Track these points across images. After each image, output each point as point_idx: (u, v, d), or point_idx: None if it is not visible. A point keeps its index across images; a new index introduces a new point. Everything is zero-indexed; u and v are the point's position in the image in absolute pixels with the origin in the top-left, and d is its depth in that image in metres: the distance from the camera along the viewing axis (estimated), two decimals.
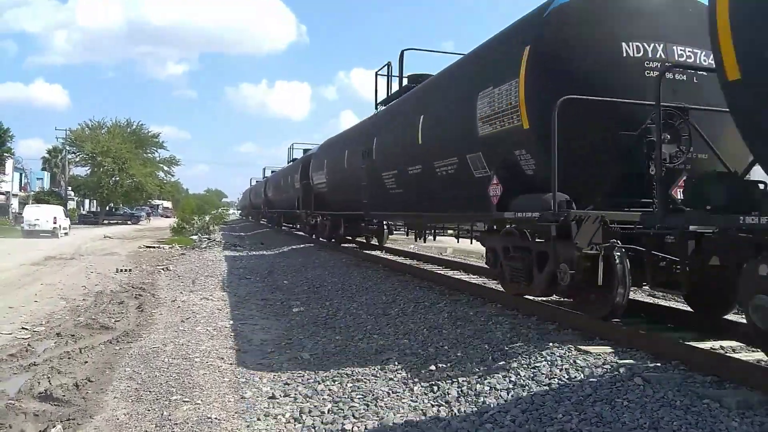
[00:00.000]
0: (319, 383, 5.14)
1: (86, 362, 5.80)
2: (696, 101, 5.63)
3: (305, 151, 26.28)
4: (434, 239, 14.36)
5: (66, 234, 29.17)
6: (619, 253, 5.37)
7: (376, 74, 13.01)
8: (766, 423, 3.56)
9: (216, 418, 4.30)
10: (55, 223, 28.45)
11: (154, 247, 20.63)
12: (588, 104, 5.50)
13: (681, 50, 5.92)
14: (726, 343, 5.35)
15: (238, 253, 18.67)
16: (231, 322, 7.83)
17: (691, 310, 6.25)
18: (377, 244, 17.62)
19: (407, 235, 16.46)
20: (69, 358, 5.91)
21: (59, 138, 56.96)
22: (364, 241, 18.44)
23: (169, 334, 7.00)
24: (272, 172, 36.59)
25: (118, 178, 54.61)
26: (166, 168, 62.04)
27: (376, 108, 13.17)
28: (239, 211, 40.78)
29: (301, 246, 19.47)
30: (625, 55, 5.76)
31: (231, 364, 5.80)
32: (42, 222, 28.26)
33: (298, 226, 27.13)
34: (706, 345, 5.23)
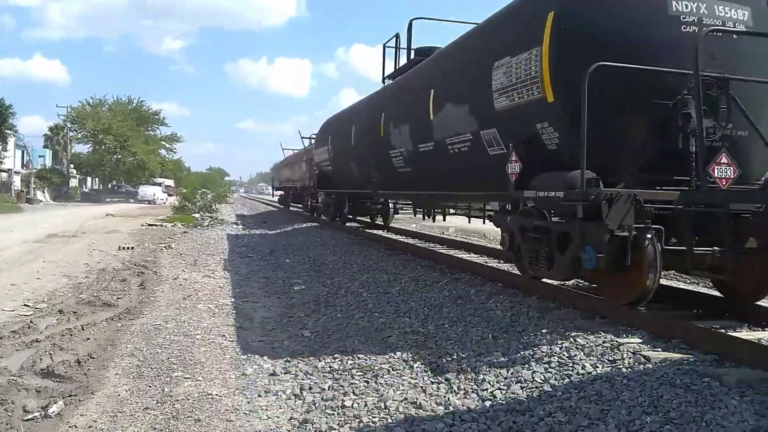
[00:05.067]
0: (320, 360, 5.17)
1: (88, 339, 5.82)
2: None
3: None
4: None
5: (164, 202, 46.17)
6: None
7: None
8: (766, 401, 3.57)
9: (217, 395, 4.32)
10: (153, 196, 50.02)
11: (156, 225, 20.65)
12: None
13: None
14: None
15: (240, 231, 18.69)
16: (232, 299, 7.85)
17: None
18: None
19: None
20: (71, 334, 5.93)
21: (60, 115, 56.84)
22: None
23: (170, 311, 7.03)
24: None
25: (120, 156, 54.62)
26: (167, 145, 62.07)
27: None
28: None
29: (303, 225, 19.35)
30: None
31: (232, 341, 5.83)
32: (148, 195, 50.22)
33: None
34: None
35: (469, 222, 12.21)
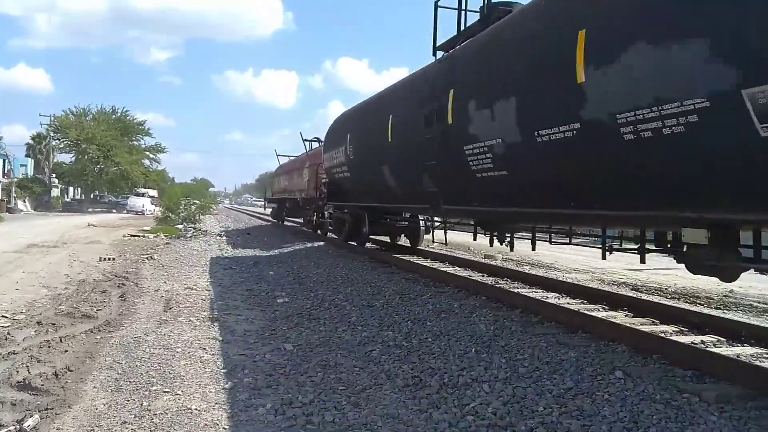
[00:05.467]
0: (302, 374, 5.12)
1: (66, 351, 5.72)
2: None
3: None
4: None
5: (152, 213, 45.61)
6: None
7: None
8: (744, 417, 3.60)
9: (196, 409, 4.26)
10: (143, 207, 49.88)
11: (138, 236, 20.46)
12: None
13: None
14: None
15: (224, 243, 18.56)
16: (214, 312, 7.78)
17: None
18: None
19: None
20: (49, 347, 5.84)
21: (43, 124, 56.42)
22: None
23: (151, 323, 6.94)
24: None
25: (103, 166, 54.21)
26: (152, 155, 61.71)
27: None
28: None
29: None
30: None
31: (213, 354, 5.76)
32: (137, 206, 50.32)
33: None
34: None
35: (605, 258, 6.99)
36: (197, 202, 30.12)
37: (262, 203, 42.08)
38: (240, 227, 28.49)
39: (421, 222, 13.21)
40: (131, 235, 20.69)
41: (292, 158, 27.92)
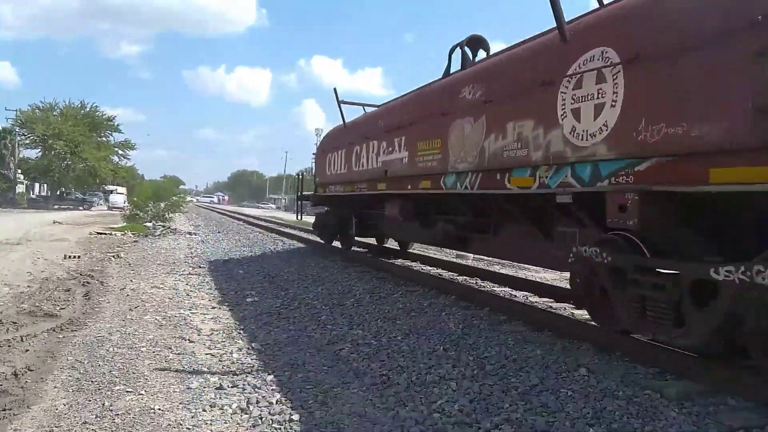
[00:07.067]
0: (269, 374, 5.08)
1: (27, 350, 5.59)
2: None
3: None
4: None
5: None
6: None
7: None
8: (703, 413, 3.68)
9: (159, 409, 4.19)
10: (124, 203, 48.70)
11: (105, 234, 20.08)
12: None
13: None
14: None
15: (193, 241, 18.32)
16: (181, 311, 7.67)
17: None
18: None
19: None
20: (9, 346, 5.68)
21: (9, 119, 55.06)
22: None
23: (115, 322, 6.82)
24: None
25: (70, 162, 53.14)
26: (120, 152, 60.68)
27: None
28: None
29: None
30: None
31: (178, 354, 5.67)
32: (118, 202, 51.02)
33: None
34: None
35: None
36: (162, 204, 29.61)
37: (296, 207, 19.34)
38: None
39: None
40: (98, 233, 20.29)
41: (423, 88, 9.05)
